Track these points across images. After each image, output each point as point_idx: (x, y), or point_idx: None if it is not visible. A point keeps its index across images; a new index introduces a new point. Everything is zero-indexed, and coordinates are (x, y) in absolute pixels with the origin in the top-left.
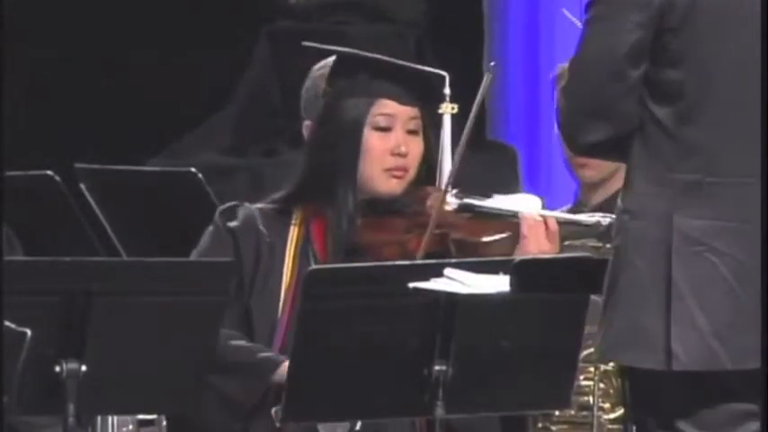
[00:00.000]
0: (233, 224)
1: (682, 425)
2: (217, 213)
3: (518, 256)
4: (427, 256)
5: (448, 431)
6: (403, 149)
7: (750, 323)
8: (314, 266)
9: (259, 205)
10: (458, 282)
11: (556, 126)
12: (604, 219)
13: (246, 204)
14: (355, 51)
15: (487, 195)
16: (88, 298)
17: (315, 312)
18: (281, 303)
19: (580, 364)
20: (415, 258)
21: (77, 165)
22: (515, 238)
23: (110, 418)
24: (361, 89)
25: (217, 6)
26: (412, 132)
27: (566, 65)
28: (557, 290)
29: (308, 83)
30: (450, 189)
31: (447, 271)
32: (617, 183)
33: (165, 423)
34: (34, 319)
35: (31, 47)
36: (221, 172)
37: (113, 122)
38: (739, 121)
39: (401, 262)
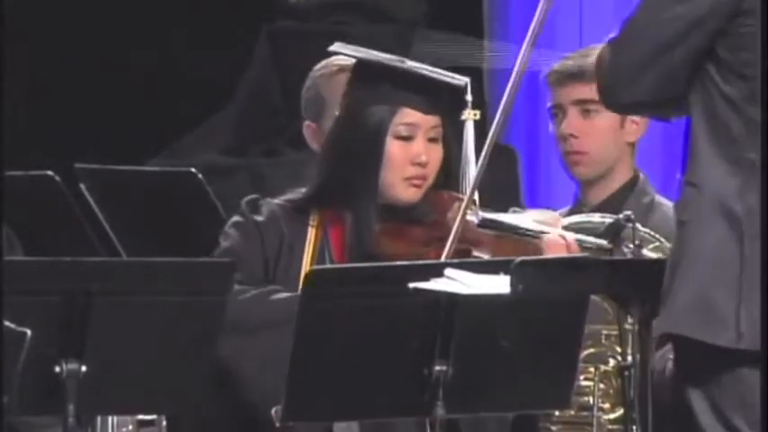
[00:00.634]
0: (259, 218)
1: (729, 405)
2: (243, 205)
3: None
4: None
5: None
6: (424, 159)
7: None
8: (314, 266)
9: (278, 201)
10: (458, 282)
11: (551, 125)
12: (626, 249)
13: (268, 200)
14: (378, 59)
15: (505, 209)
16: (88, 298)
17: (315, 312)
18: None
19: (580, 364)
20: None
21: (77, 165)
22: None
23: (110, 418)
24: (383, 98)
25: (217, 6)
26: (433, 140)
27: (556, 65)
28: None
29: (308, 83)
30: (473, 202)
31: (447, 271)
32: (616, 182)
33: (164, 423)
34: (34, 319)
35: (31, 47)
36: (221, 172)
37: (113, 122)
38: None
39: (401, 262)
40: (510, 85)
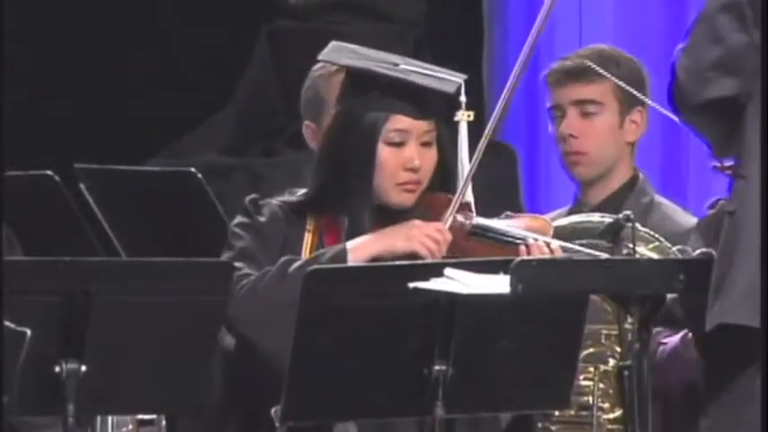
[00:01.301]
0: (262, 219)
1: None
2: (248, 205)
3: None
4: None
5: None
6: (416, 163)
7: None
8: (315, 266)
9: (277, 202)
10: (458, 282)
11: (550, 126)
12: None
13: (268, 200)
14: (368, 66)
15: (504, 209)
16: (88, 298)
17: (315, 312)
18: None
19: (580, 364)
20: None
21: (77, 165)
22: None
23: (110, 418)
24: (374, 105)
25: (217, 6)
26: (426, 144)
27: (556, 65)
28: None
29: (307, 83)
30: (466, 210)
31: (447, 271)
32: (615, 182)
33: (164, 423)
34: (34, 319)
35: (31, 47)
36: (221, 172)
37: (113, 122)
38: None
39: (401, 262)
40: (507, 86)
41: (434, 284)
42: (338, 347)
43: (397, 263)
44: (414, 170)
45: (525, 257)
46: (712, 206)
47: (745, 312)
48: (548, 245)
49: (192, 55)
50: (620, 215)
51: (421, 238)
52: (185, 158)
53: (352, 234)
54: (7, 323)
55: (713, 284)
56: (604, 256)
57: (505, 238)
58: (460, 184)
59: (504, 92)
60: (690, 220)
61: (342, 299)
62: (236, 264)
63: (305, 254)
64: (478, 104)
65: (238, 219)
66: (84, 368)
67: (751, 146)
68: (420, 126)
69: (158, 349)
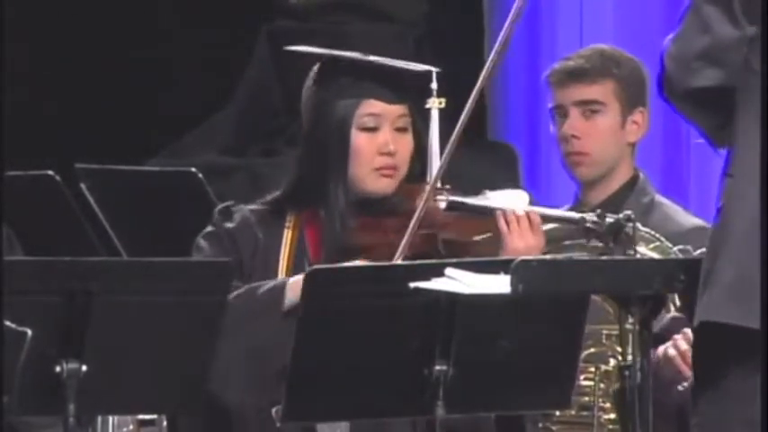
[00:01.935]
0: (230, 225)
1: None
2: (215, 214)
3: (509, 256)
4: (415, 257)
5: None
6: (391, 148)
7: None
8: (315, 266)
9: (252, 207)
10: (458, 282)
11: (552, 126)
12: (590, 215)
13: (241, 206)
14: (339, 53)
15: (478, 192)
16: (88, 298)
17: (315, 312)
18: None
19: (580, 364)
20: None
21: (77, 165)
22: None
23: (110, 418)
24: (346, 91)
25: (217, 6)
26: (401, 130)
27: (557, 65)
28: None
29: (308, 83)
30: (440, 186)
31: (448, 271)
32: (616, 182)
33: (165, 423)
34: (34, 319)
35: (31, 47)
36: (221, 172)
37: (113, 122)
38: None
39: (401, 262)
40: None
41: (435, 284)
42: (338, 347)
43: (398, 263)
44: (390, 154)
45: (526, 258)
46: None
47: (727, 310)
48: (526, 213)
49: (192, 55)
50: (621, 215)
51: None
52: (185, 158)
53: (330, 223)
54: (7, 323)
55: (701, 279)
56: (578, 216)
57: (482, 210)
58: (434, 169)
59: (479, 81)
60: (690, 220)
61: (342, 299)
62: None
63: (284, 251)
64: (479, 104)
65: (205, 230)
66: (84, 368)
67: (740, 143)
68: (393, 110)
69: (158, 349)
